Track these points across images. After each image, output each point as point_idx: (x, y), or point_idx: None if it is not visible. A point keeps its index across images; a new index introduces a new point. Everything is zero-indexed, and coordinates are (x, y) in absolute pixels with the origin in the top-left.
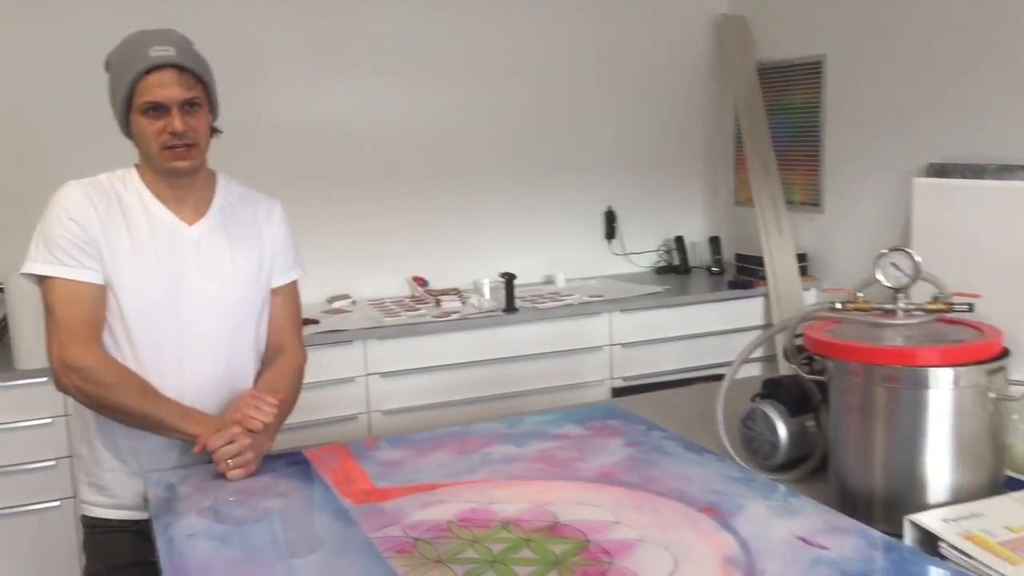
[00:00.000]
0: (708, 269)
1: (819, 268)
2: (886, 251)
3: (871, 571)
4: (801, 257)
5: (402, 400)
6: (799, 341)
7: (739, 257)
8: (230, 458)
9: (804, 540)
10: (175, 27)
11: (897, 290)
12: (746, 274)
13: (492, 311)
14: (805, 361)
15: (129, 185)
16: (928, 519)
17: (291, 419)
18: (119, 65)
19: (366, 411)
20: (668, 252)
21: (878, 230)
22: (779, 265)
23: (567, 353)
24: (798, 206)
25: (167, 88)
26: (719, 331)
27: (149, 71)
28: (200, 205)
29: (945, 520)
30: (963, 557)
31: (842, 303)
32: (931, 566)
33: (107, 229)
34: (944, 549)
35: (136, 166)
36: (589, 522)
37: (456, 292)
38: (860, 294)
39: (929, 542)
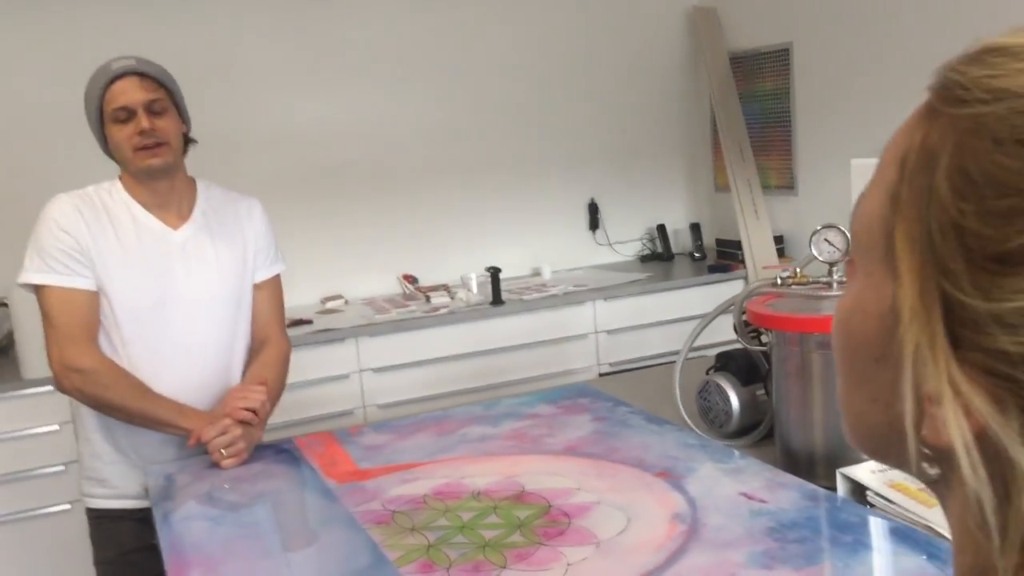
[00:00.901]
0: (690, 255)
1: (795, 249)
2: (819, 228)
3: (805, 519)
4: (778, 239)
5: (396, 394)
6: (746, 316)
7: (719, 242)
8: (223, 448)
9: (747, 496)
10: (166, 40)
11: (831, 264)
12: (726, 258)
13: (480, 304)
14: (753, 334)
15: (115, 195)
16: (858, 471)
17: (288, 416)
18: (89, 88)
19: (361, 406)
20: (651, 240)
21: (850, 210)
22: (757, 248)
23: (554, 342)
24: (774, 190)
25: (130, 93)
26: (701, 314)
27: (113, 81)
28: (183, 210)
29: (873, 472)
30: (888, 503)
31: (782, 278)
32: (858, 512)
33: (96, 237)
34: (871, 497)
35: (120, 177)
36: (553, 490)
37: (445, 288)
38: (799, 269)
39: (860, 492)
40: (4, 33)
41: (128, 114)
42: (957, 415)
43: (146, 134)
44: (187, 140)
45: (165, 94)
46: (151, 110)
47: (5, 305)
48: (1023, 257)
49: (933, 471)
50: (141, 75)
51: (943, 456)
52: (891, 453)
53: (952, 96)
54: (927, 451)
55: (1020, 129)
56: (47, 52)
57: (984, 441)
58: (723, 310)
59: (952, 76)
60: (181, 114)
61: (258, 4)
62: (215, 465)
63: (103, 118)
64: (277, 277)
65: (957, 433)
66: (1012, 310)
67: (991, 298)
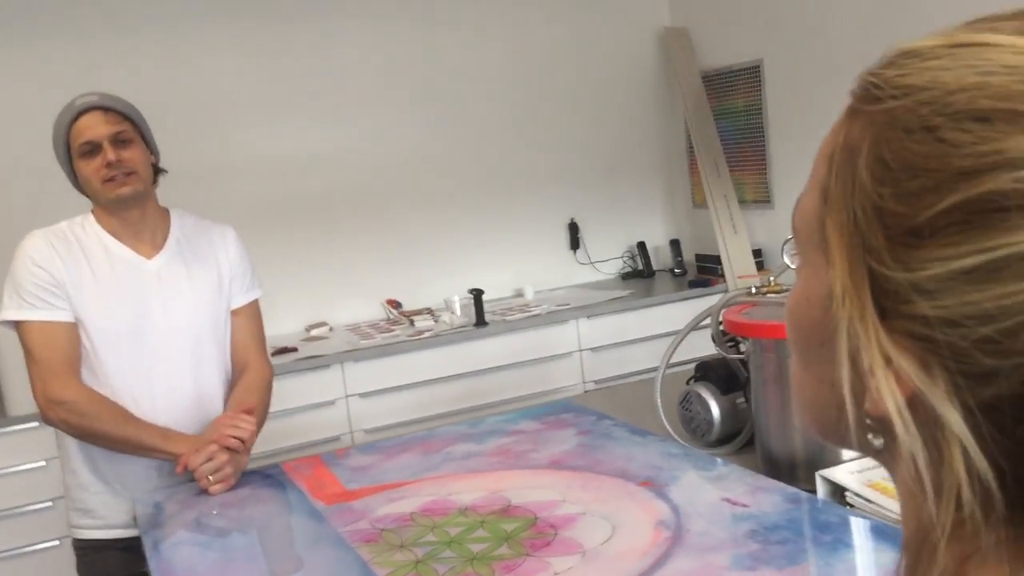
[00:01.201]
0: (671, 271)
1: (774, 262)
2: (791, 237)
3: (786, 521)
4: (756, 252)
5: (383, 418)
6: (723, 326)
7: (699, 257)
8: (210, 474)
9: (729, 501)
10: (140, 75)
11: None
12: (706, 273)
13: (463, 327)
14: (731, 343)
15: (88, 228)
16: (836, 473)
17: (277, 444)
18: (55, 127)
19: (348, 431)
20: (632, 258)
21: None
22: (736, 262)
23: (538, 362)
24: (750, 204)
25: (95, 128)
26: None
27: (77, 117)
28: (157, 239)
29: (851, 472)
30: (866, 503)
31: (756, 287)
32: (838, 512)
33: (71, 271)
34: (850, 497)
35: (92, 211)
36: (538, 503)
37: (428, 311)
38: (772, 278)
39: (839, 494)
40: None
41: (94, 148)
42: (889, 381)
43: (113, 165)
44: (157, 170)
45: (130, 126)
46: (116, 141)
47: None
48: (932, 230)
49: (877, 441)
50: (104, 109)
51: (886, 426)
52: (840, 430)
53: (869, 96)
54: (870, 422)
55: (926, 118)
56: (21, 90)
57: (917, 406)
58: (700, 320)
59: (869, 79)
60: (148, 145)
61: (236, 36)
62: (203, 492)
63: (71, 154)
64: (255, 303)
65: (890, 397)
66: (927, 278)
67: (910, 269)
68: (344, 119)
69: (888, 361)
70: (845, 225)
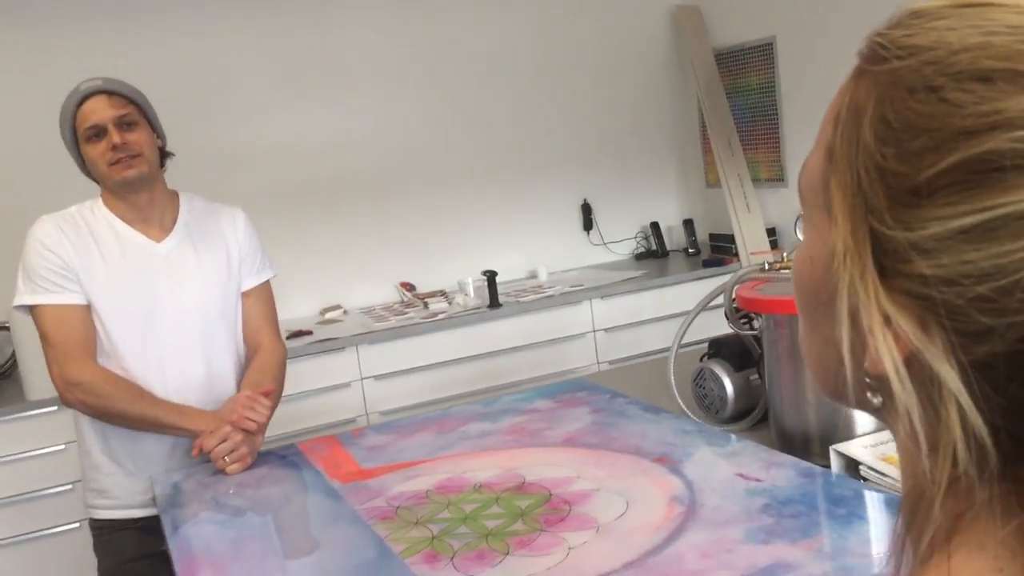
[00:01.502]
0: (684, 251)
1: (788, 240)
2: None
3: (799, 495)
4: (771, 231)
5: (397, 400)
6: (736, 303)
7: (712, 236)
8: (226, 455)
9: (742, 476)
10: (152, 61)
11: None
12: (720, 252)
13: (477, 308)
14: (744, 320)
15: (96, 212)
16: (851, 447)
17: (292, 426)
18: (61, 112)
19: (363, 413)
20: (645, 238)
21: None
22: (750, 240)
23: (552, 343)
24: (764, 183)
25: (100, 111)
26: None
27: (82, 102)
28: (166, 222)
29: (865, 447)
30: (881, 476)
31: (770, 263)
32: (852, 486)
33: (80, 254)
34: (864, 471)
35: (101, 195)
36: (553, 479)
37: (442, 293)
38: (786, 254)
39: (854, 468)
40: None
41: (99, 131)
42: (887, 340)
43: (119, 148)
44: (164, 154)
45: (135, 109)
46: (122, 124)
47: (7, 329)
48: (932, 189)
49: (876, 400)
50: (109, 93)
51: (884, 385)
52: (842, 388)
53: (875, 56)
54: (869, 381)
55: (929, 78)
56: (33, 74)
57: (914, 365)
58: (714, 296)
59: (875, 39)
60: (154, 128)
61: (248, 19)
62: (220, 472)
63: (77, 139)
64: (266, 284)
65: (888, 356)
66: (927, 236)
67: (910, 228)
68: (357, 101)
69: (887, 320)
70: (849, 185)
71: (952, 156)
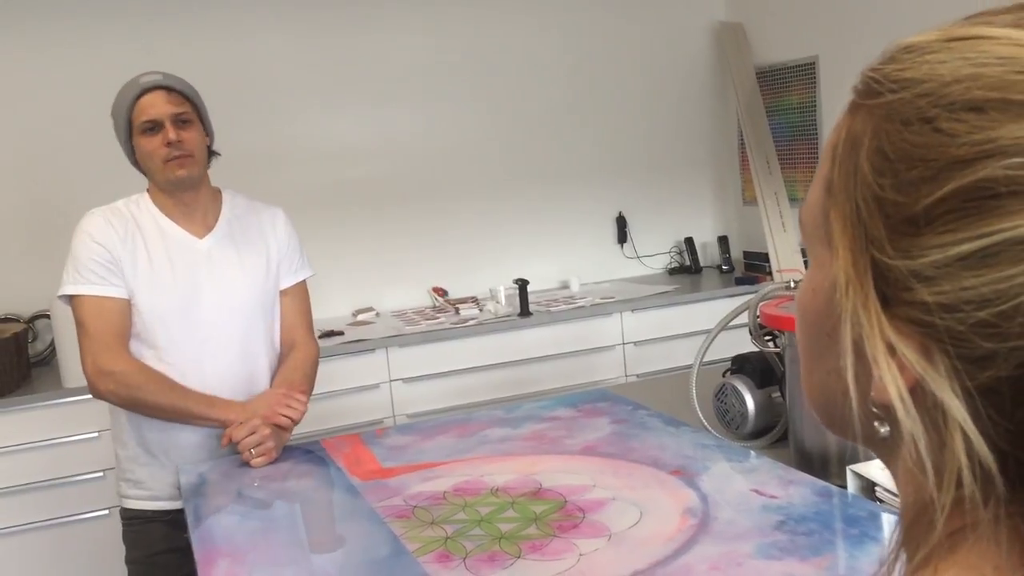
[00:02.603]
0: (718, 267)
1: None
2: None
3: (813, 513)
4: (804, 252)
5: (425, 404)
6: (760, 320)
7: (746, 254)
8: (252, 448)
9: (757, 492)
10: (201, 60)
11: None
12: (753, 270)
13: (508, 316)
14: (768, 337)
15: (143, 207)
16: (867, 468)
17: (321, 425)
18: (117, 104)
19: (391, 415)
20: (679, 253)
21: None
22: (784, 259)
23: (581, 353)
24: (800, 202)
25: (158, 106)
26: (727, 326)
27: (140, 95)
28: (208, 219)
29: (882, 468)
30: (895, 498)
31: (795, 282)
32: (866, 507)
33: (127, 248)
34: (880, 492)
35: (148, 190)
36: (569, 486)
37: (474, 300)
38: None
39: (870, 489)
40: (34, 51)
41: (155, 126)
42: (891, 368)
43: (174, 145)
44: (211, 152)
45: (191, 107)
46: (178, 121)
47: (47, 317)
48: (930, 218)
49: (884, 430)
50: (168, 89)
51: (889, 414)
52: (846, 420)
53: (869, 90)
54: (876, 411)
55: (923, 110)
56: (78, 71)
57: (919, 393)
58: (738, 313)
59: (869, 75)
60: (205, 127)
61: (291, 23)
62: (245, 464)
63: (131, 131)
64: (303, 283)
65: (892, 383)
66: (927, 264)
67: (910, 256)
68: (399, 106)
69: (891, 349)
70: (848, 216)
71: (948, 185)
